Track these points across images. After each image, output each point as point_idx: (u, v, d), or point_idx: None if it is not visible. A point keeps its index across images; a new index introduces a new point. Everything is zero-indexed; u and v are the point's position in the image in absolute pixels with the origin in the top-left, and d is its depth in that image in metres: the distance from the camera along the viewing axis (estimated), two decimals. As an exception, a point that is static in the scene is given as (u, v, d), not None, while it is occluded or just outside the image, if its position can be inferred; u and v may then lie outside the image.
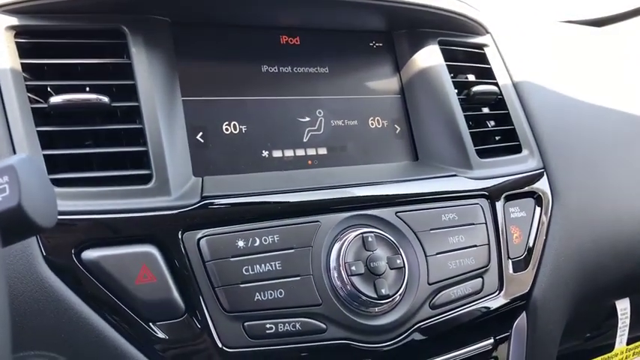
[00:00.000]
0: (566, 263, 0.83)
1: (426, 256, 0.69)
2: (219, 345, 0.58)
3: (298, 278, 0.62)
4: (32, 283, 0.53)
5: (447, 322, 0.69)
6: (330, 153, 0.77)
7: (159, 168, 0.62)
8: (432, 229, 0.71)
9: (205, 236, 0.60)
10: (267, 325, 0.60)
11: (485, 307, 0.73)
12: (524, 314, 0.78)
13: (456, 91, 0.84)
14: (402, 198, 0.72)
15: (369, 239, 0.66)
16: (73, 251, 0.55)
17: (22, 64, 0.61)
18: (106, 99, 0.62)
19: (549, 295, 0.80)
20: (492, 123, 0.90)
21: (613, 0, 1.43)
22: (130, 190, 0.60)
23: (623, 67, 1.18)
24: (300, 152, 0.75)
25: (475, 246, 0.73)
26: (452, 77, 0.85)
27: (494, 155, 0.84)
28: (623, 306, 0.99)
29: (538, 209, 0.83)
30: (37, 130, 0.59)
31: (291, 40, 0.79)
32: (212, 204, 0.62)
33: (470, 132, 0.82)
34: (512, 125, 0.88)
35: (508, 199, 0.80)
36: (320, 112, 0.78)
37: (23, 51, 0.62)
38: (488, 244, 0.75)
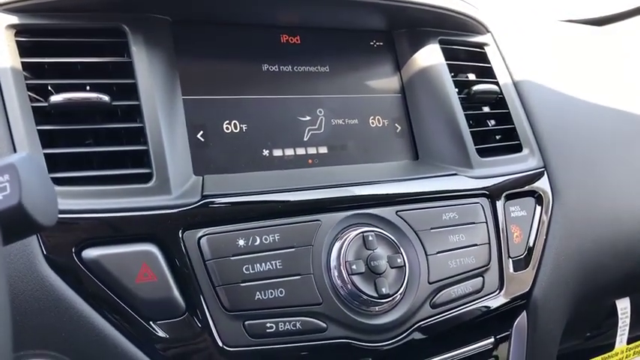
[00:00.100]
0: (566, 262, 0.83)
1: (426, 255, 0.69)
2: (220, 344, 0.58)
3: (299, 277, 0.62)
4: (33, 282, 0.53)
5: (447, 321, 0.69)
6: (331, 152, 0.77)
7: (159, 167, 0.61)
8: (432, 228, 0.71)
9: (206, 235, 0.60)
10: (268, 324, 0.60)
11: (485, 307, 0.73)
12: (524, 313, 0.79)
13: (457, 90, 0.84)
14: (403, 197, 0.72)
15: (370, 238, 0.66)
16: (73, 250, 0.55)
17: (22, 62, 0.61)
18: (106, 98, 0.62)
19: (550, 294, 0.80)
20: (493, 122, 0.90)
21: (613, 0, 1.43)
22: (131, 189, 0.59)
23: (622, 66, 1.18)
24: (300, 151, 0.75)
25: (475, 245, 0.73)
26: (452, 76, 0.85)
27: (494, 154, 0.84)
28: (623, 305, 0.99)
29: (538, 208, 0.83)
30: (38, 129, 0.59)
31: (291, 39, 0.79)
32: (212, 203, 0.62)
33: (470, 131, 0.82)
34: (513, 124, 0.88)
35: (508, 198, 0.80)
36: (320, 111, 0.78)
37: (24, 50, 0.62)
38: (489, 244, 0.75)
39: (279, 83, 0.77)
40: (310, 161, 0.75)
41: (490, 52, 0.93)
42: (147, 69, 0.65)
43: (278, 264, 0.61)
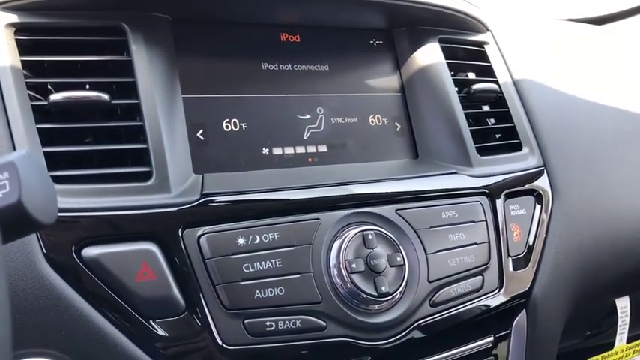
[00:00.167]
0: (566, 261, 0.83)
1: (426, 253, 0.69)
2: (220, 342, 0.58)
3: (298, 276, 0.62)
4: (33, 281, 0.53)
5: (447, 319, 0.70)
6: (331, 151, 0.77)
7: (159, 165, 0.61)
8: (432, 227, 0.71)
9: (205, 233, 0.60)
10: (267, 323, 0.60)
11: (485, 305, 0.73)
12: (524, 312, 0.79)
13: (457, 88, 0.84)
14: (402, 196, 0.72)
15: (370, 237, 0.66)
16: (73, 248, 0.55)
17: (22, 61, 0.61)
18: (106, 96, 0.62)
19: (549, 292, 0.80)
20: (492, 121, 0.90)
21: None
22: (130, 188, 0.59)
23: (622, 65, 1.18)
24: (300, 150, 0.75)
25: (475, 244, 0.73)
26: (452, 75, 0.85)
27: (494, 153, 0.84)
28: (622, 304, 0.99)
29: (538, 207, 0.83)
30: (38, 128, 0.59)
31: (291, 38, 0.79)
32: (212, 201, 0.62)
33: (470, 130, 0.82)
34: (513, 123, 0.88)
35: (508, 196, 0.81)
36: (320, 110, 0.78)
37: (23, 48, 0.62)
38: (489, 242, 0.75)
39: (278, 82, 0.77)
40: (310, 160, 0.75)
41: (490, 50, 0.93)
42: (147, 67, 0.65)
43: (278, 262, 0.61)
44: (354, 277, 0.63)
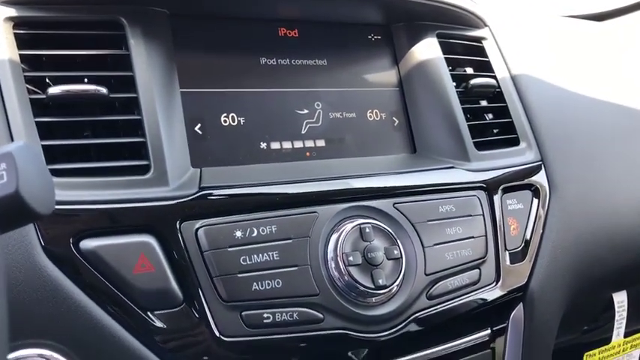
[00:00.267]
0: (563, 255, 0.83)
1: (423, 247, 0.69)
2: (217, 334, 0.58)
3: (296, 268, 0.62)
4: (31, 272, 0.53)
5: (444, 312, 0.70)
6: (329, 145, 0.77)
7: (157, 159, 0.62)
8: (429, 221, 0.71)
9: (203, 226, 0.60)
10: (265, 315, 0.60)
11: (482, 298, 0.74)
12: (521, 305, 0.79)
13: (454, 83, 0.85)
14: (400, 190, 0.72)
15: (367, 230, 0.66)
16: (71, 240, 0.55)
17: (20, 55, 0.61)
18: (104, 90, 0.62)
19: (546, 286, 0.80)
20: (490, 116, 0.90)
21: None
22: (129, 181, 0.60)
23: (621, 60, 1.18)
24: (298, 144, 0.75)
25: (472, 237, 0.74)
26: (450, 70, 0.85)
27: (492, 148, 0.84)
28: (620, 299, 0.99)
29: (535, 201, 0.83)
30: (36, 121, 0.59)
31: (289, 33, 0.80)
32: (210, 194, 0.62)
33: (468, 124, 0.82)
34: (510, 118, 0.88)
35: (506, 191, 0.81)
36: (318, 105, 0.78)
37: (22, 42, 0.62)
38: (486, 236, 0.75)
39: (276, 76, 0.77)
40: (308, 154, 0.76)
41: (488, 46, 0.93)
42: (145, 62, 0.65)
43: (275, 255, 0.62)
44: (352, 269, 0.63)
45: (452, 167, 0.78)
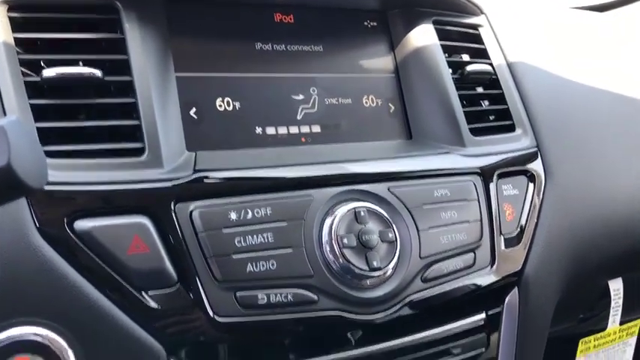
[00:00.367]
0: (558, 241, 0.83)
1: (418, 230, 0.69)
2: (211, 314, 0.58)
3: (290, 250, 0.62)
4: (25, 252, 0.53)
5: (438, 295, 0.70)
6: (324, 131, 0.77)
7: (152, 141, 0.62)
8: (424, 205, 0.71)
9: (198, 208, 0.60)
10: (259, 296, 0.60)
11: (477, 282, 0.74)
12: (515, 290, 0.79)
13: (450, 70, 0.84)
14: (395, 174, 0.72)
15: (362, 213, 0.66)
16: (65, 221, 0.55)
17: (15, 38, 0.61)
18: (99, 73, 0.62)
19: (541, 271, 0.81)
20: (486, 102, 0.90)
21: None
22: (123, 163, 0.60)
23: (620, 50, 1.18)
24: (293, 130, 0.75)
25: (467, 222, 0.74)
26: (446, 57, 0.85)
27: (487, 134, 0.84)
28: (616, 286, 1.00)
29: (531, 187, 0.83)
30: (30, 103, 0.59)
31: (285, 18, 0.79)
32: (205, 177, 0.62)
33: (464, 111, 0.82)
34: (506, 105, 0.88)
35: (501, 176, 0.81)
36: (314, 90, 0.78)
37: (16, 25, 0.62)
38: (481, 220, 0.75)
39: (272, 62, 0.77)
40: (303, 140, 0.76)
41: (484, 33, 0.93)
42: (140, 46, 0.65)
43: (269, 237, 0.62)
44: (346, 252, 0.64)
45: (447, 153, 0.78)
